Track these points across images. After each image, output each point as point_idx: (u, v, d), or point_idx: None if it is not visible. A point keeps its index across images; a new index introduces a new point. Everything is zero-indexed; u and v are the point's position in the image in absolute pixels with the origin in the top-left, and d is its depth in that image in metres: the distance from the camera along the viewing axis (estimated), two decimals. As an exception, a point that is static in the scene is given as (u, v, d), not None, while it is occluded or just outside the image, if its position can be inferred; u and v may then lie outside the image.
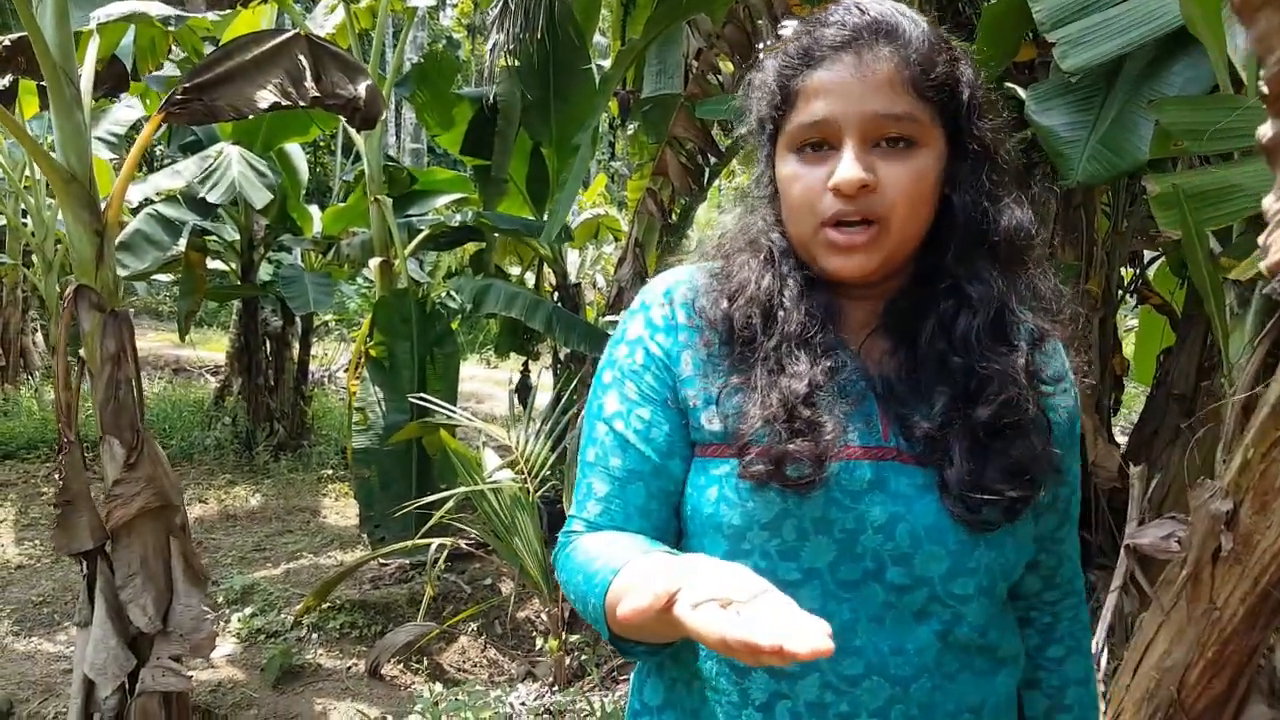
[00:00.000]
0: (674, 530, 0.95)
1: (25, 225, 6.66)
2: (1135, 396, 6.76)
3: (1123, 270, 4.13)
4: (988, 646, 0.91)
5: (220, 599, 4.10)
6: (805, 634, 0.57)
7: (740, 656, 0.59)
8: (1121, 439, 4.02)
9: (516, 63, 4.83)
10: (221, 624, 3.88)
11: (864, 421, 0.88)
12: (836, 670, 0.85)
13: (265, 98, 2.96)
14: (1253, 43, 0.38)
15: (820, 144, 0.86)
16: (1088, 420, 3.47)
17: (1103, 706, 1.65)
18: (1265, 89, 0.37)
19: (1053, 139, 1.99)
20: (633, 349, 0.95)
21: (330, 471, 6.38)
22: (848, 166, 0.83)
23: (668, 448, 0.92)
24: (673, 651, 0.91)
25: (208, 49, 4.41)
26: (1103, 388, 3.72)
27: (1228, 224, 1.58)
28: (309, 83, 3.13)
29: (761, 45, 0.96)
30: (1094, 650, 1.71)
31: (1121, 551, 1.68)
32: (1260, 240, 0.37)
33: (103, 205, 2.64)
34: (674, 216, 4.39)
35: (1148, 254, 4.25)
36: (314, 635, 3.81)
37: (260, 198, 5.31)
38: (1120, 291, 4.12)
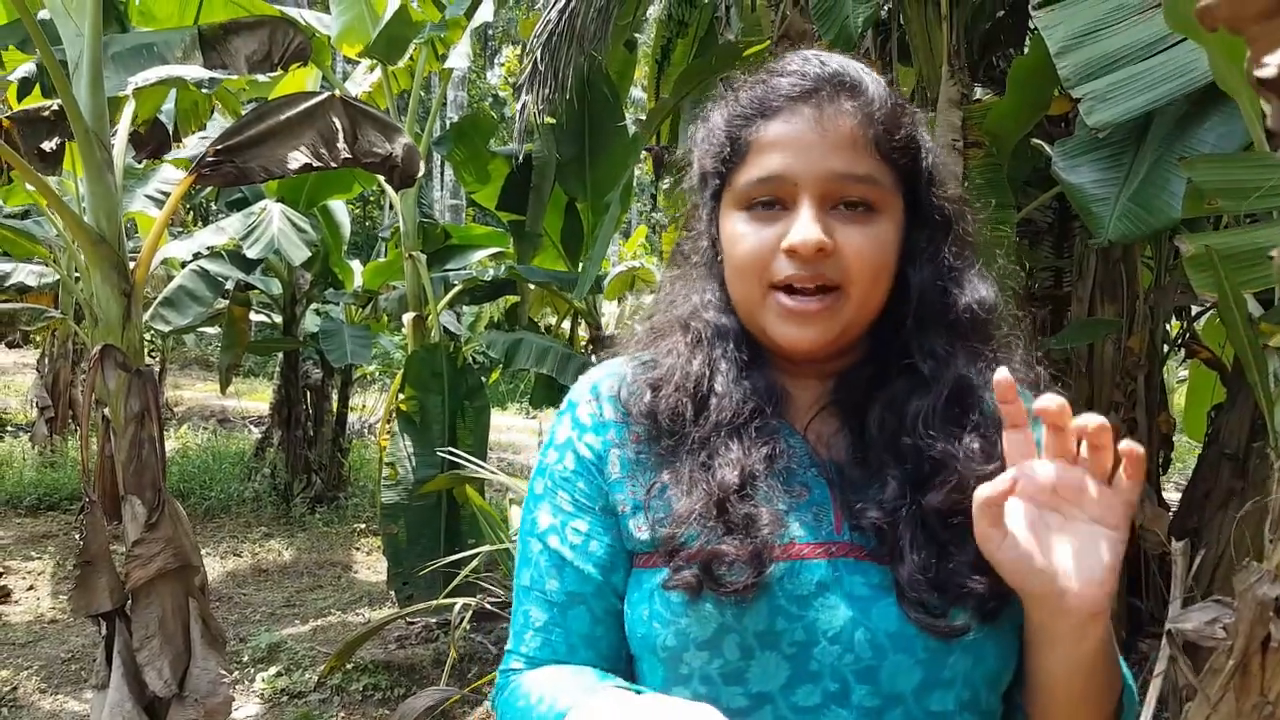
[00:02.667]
0: (624, 652, 0.84)
1: (76, 280, 6.85)
2: (1188, 450, 6.52)
3: (1172, 323, 4.00)
4: None
5: (246, 657, 4.07)
6: None
7: None
8: (1174, 494, 3.83)
9: (551, 120, 4.88)
10: (246, 683, 3.84)
11: (812, 514, 0.78)
12: (790, 703, 0.74)
13: (296, 159, 3.00)
14: (1250, 50, 0.34)
15: (772, 202, 0.79)
16: (1135, 482, 3.32)
17: (1146, 804, 1.53)
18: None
19: (1081, 196, 1.92)
20: (562, 453, 0.86)
21: (364, 525, 6.38)
22: (805, 227, 0.76)
23: (610, 561, 0.82)
24: None
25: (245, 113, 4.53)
26: (1150, 447, 3.57)
27: (1264, 287, 1.50)
28: (341, 144, 3.17)
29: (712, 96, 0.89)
30: (1137, 740, 1.59)
31: (1164, 636, 1.57)
32: None
33: (131, 266, 2.68)
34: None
35: (1195, 307, 4.11)
36: (337, 697, 3.76)
37: (298, 254, 5.40)
38: (1166, 346, 3.99)
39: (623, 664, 0.84)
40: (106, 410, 2.67)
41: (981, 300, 0.83)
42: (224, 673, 2.81)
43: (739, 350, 0.84)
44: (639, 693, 0.73)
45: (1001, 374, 0.68)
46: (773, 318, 0.79)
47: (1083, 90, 1.76)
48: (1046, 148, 2.09)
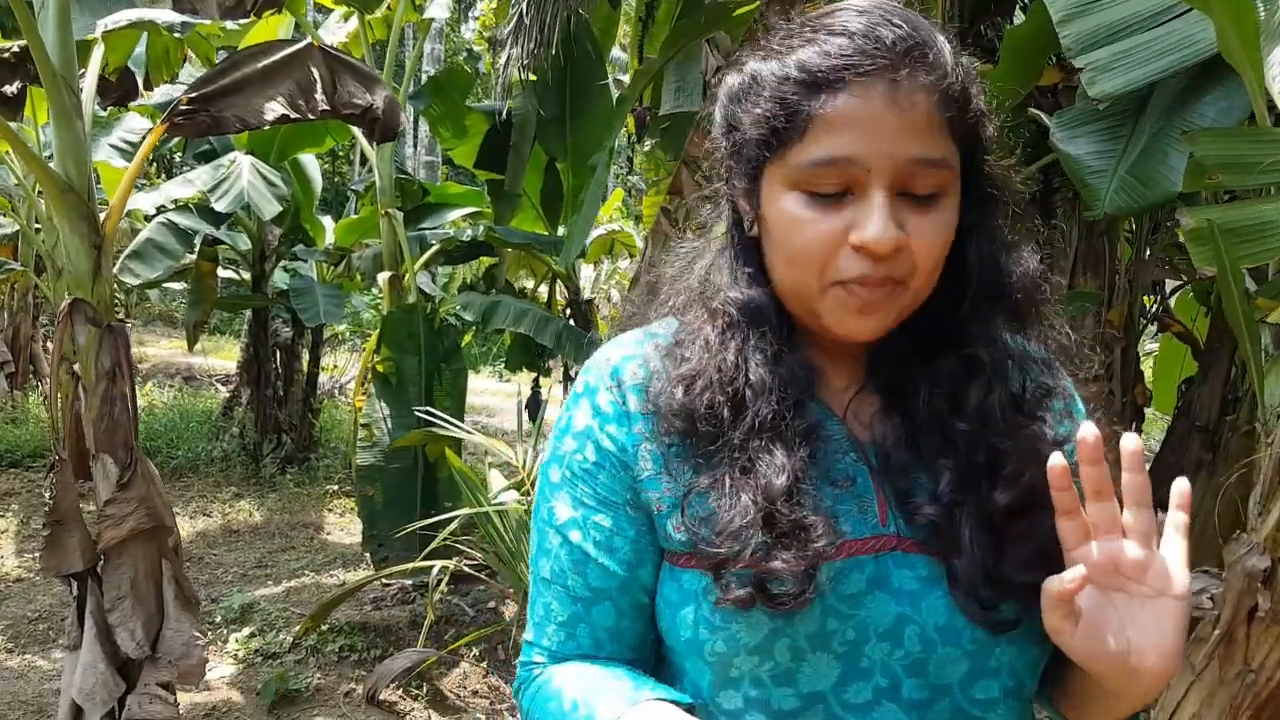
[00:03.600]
0: (650, 641, 0.83)
1: (37, 232, 6.67)
2: (1154, 423, 6.64)
3: (1144, 298, 4.04)
4: None
5: (219, 618, 4.04)
6: None
7: None
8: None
9: (532, 77, 4.79)
10: (219, 644, 3.81)
11: (857, 506, 0.75)
12: (842, 700, 0.74)
13: (273, 109, 2.92)
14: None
15: (837, 189, 0.71)
16: (1109, 453, 3.38)
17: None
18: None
19: (1078, 168, 1.91)
20: (581, 443, 0.81)
21: (336, 486, 6.33)
22: (879, 224, 0.69)
23: (635, 557, 0.79)
24: None
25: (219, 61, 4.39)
26: (1124, 419, 3.63)
27: (1264, 261, 1.50)
28: (320, 95, 3.08)
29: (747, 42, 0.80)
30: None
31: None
32: None
33: (102, 217, 2.59)
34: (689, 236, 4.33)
35: (1169, 282, 4.16)
36: (312, 658, 3.74)
37: (269, 208, 5.29)
38: (1142, 320, 4.03)
39: (648, 654, 0.83)
40: (76, 366, 2.59)
41: (1031, 275, 0.79)
42: (197, 634, 2.77)
43: (775, 335, 0.78)
44: (682, 705, 0.72)
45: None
46: (834, 308, 0.74)
47: (1085, 60, 1.74)
48: (1045, 118, 2.07)
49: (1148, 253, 3.41)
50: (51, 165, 2.50)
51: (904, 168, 0.70)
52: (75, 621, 2.65)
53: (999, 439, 0.74)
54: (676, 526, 0.75)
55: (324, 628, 3.85)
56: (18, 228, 6.67)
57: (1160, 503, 0.69)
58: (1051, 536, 0.70)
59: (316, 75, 3.03)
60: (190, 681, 2.78)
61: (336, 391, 8.93)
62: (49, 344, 8.29)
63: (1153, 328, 4.25)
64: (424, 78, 5.48)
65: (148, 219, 5.84)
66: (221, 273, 6.92)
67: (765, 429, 0.74)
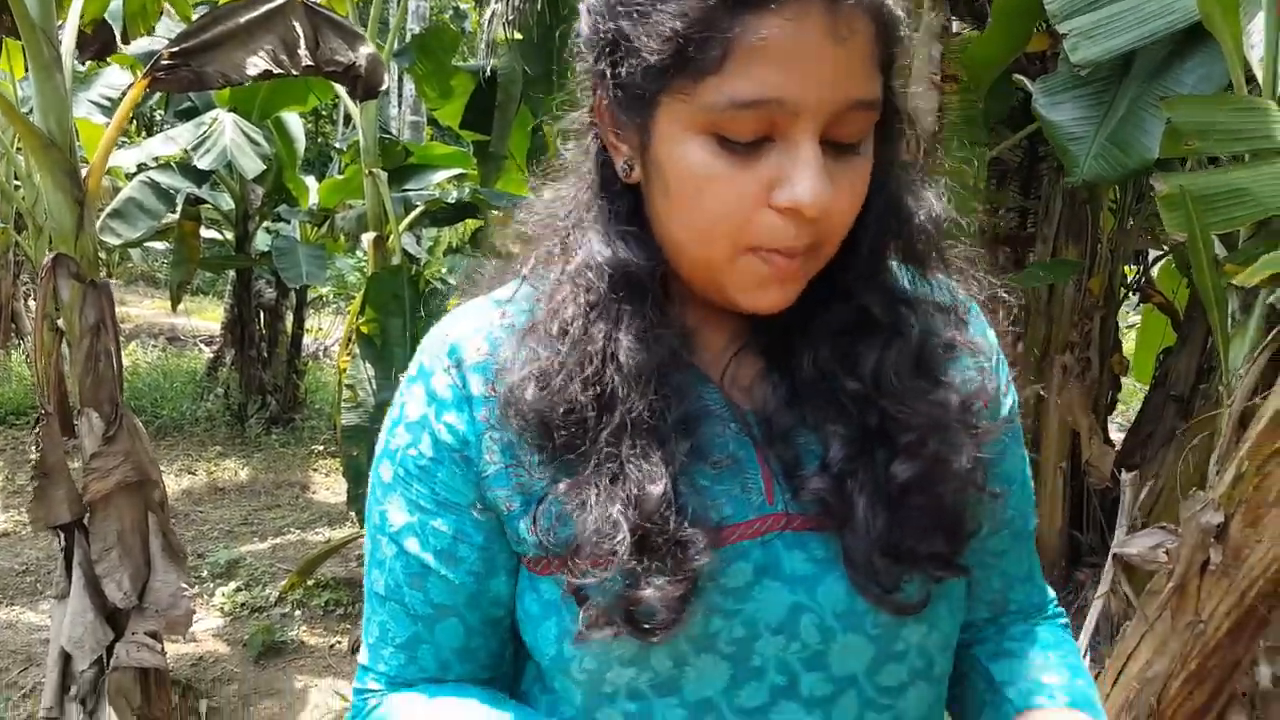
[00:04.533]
0: (509, 656, 0.73)
1: (16, 189, 6.59)
2: (1134, 393, 6.73)
3: (1126, 268, 4.09)
4: None
5: (205, 573, 4.08)
6: None
7: None
8: (1118, 436, 3.99)
9: (518, 36, 4.75)
10: (205, 598, 3.85)
11: (740, 485, 0.65)
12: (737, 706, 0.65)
13: (256, 65, 2.90)
14: None
15: (755, 136, 0.58)
16: (1083, 420, 3.44)
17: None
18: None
19: (1060, 134, 1.94)
20: (415, 435, 0.68)
21: (321, 447, 6.35)
22: (816, 182, 0.57)
23: (484, 567, 0.68)
24: None
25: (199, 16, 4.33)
26: (1101, 387, 3.69)
27: (1234, 229, 1.54)
28: (303, 50, 3.06)
29: None
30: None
31: (1109, 560, 1.65)
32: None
33: (84, 173, 2.58)
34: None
35: (1153, 252, 4.21)
36: (298, 612, 3.79)
37: (252, 166, 5.25)
38: (1123, 289, 4.08)
39: (506, 669, 0.74)
40: (60, 322, 2.60)
41: (936, 217, 0.69)
42: (184, 586, 2.81)
43: (652, 306, 0.65)
44: None
45: None
46: (744, 279, 0.62)
47: (1068, 26, 1.76)
48: (1029, 84, 2.09)
49: (1130, 222, 3.45)
50: (33, 120, 2.48)
51: (838, 112, 0.58)
52: (63, 572, 2.68)
53: (894, 404, 0.64)
54: (530, 529, 0.64)
55: (309, 583, 3.90)
56: (-4, 184, 6.59)
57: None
58: (953, 504, 0.65)
59: (299, 31, 3.01)
60: (178, 631, 2.82)
61: (321, 354, 8.92)
62: (30, 302, 8.24)
63: (1136, 301, 4.31)
64: (409, 35, 5.41)
65: (129, 177, 5.79)
66: (204, 233, 6.88)
67: (640, 426, 0.62)
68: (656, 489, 0.60)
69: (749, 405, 0.68)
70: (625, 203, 0.67)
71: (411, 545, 0.68)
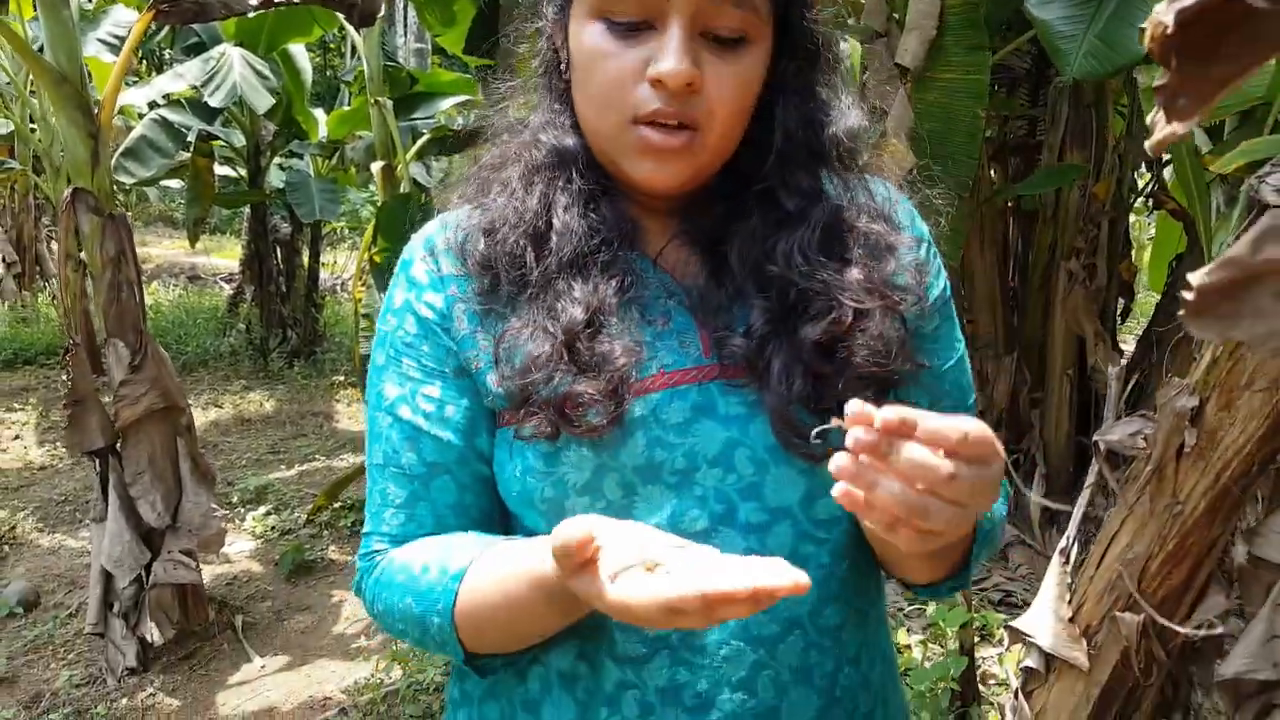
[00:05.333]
0: (496, 518, 0.80)
1: (33, 131, 6.64)
2: (1146, 302, 6.70)
3: (1138, 175, 4.05)
4: (864, 578, 0.78)
5: (235, 499, 4.24)
6: (773, 569, 0.52)
7: (684, 621, 0.53)
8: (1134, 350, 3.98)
9: (519, -43, 4.68)
10: (237, 522, 4.01)
11: (678, 341, 0.75)
12: (688, 642, 0.72)
13: (256, -5, 2.91)
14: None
15: (637, 22, 0.70)
16: (1089, 325, 3.46)
17: (1067, 597, 1.70)
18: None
19: (1050, 34, 1.94)
20: (401, 317, 0.79)
21: (342, 378, 6.48)
22: (675, 57, 0.68)
23: (469, 425, 0.76)
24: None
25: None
26: (1109, 294, 3.70)
27: (1217, 120, 1.55)
28: (302, -21, 3.07)
29: None
30: (1064, 545, 1.75)
31: (1091, 449, 1.71)
32: (1148, 120, 0.38)
33: (96, 108, 2.63)
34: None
35: (1166, 156, 4.15)
36: (326, 532, 3.95)
37: (262, 101, 5.26)
38: (1134, 196, 4.05)
39: (496, 529, 0.80)
40: (82, 255, 2.68)
41: (850, 130, 0.79)
42: (215, 507, 2.95)
43: (582, 178, 0.76)
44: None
45: (852, 407, 0.56)
46: (631, 153, 0.72)
47: (1056, -80, 1.75)
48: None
49: (1138, 126, 3.41)
50: (46, 57, 2.53)
51: (707, 7, 0.68)
52: (100, 496, 2.82)
53: (806, 281, 0.73)
54: (495, 382, 0.74)
55: (336, 505, 4.05)
56: (13, 127, 6.64)
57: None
58: (869, 359, 0.72)
59: (298, -42, 3.01)
60: (211, 550, 2.96)
61: (338, 288, 9.02)
62: (53, 244, 8.36)
63: (1151, 208, 4.27)
64: (411, -39, 5.35)
65: (140, 117, 5.82)
66: (218, 170, 6.92)
67: (566, 266, 0.74)
68: (579, 312, 0.72)
69: (685, 281, 0.78)
70: (564, 96, 0.78)
71: (404, 412, 0.77)
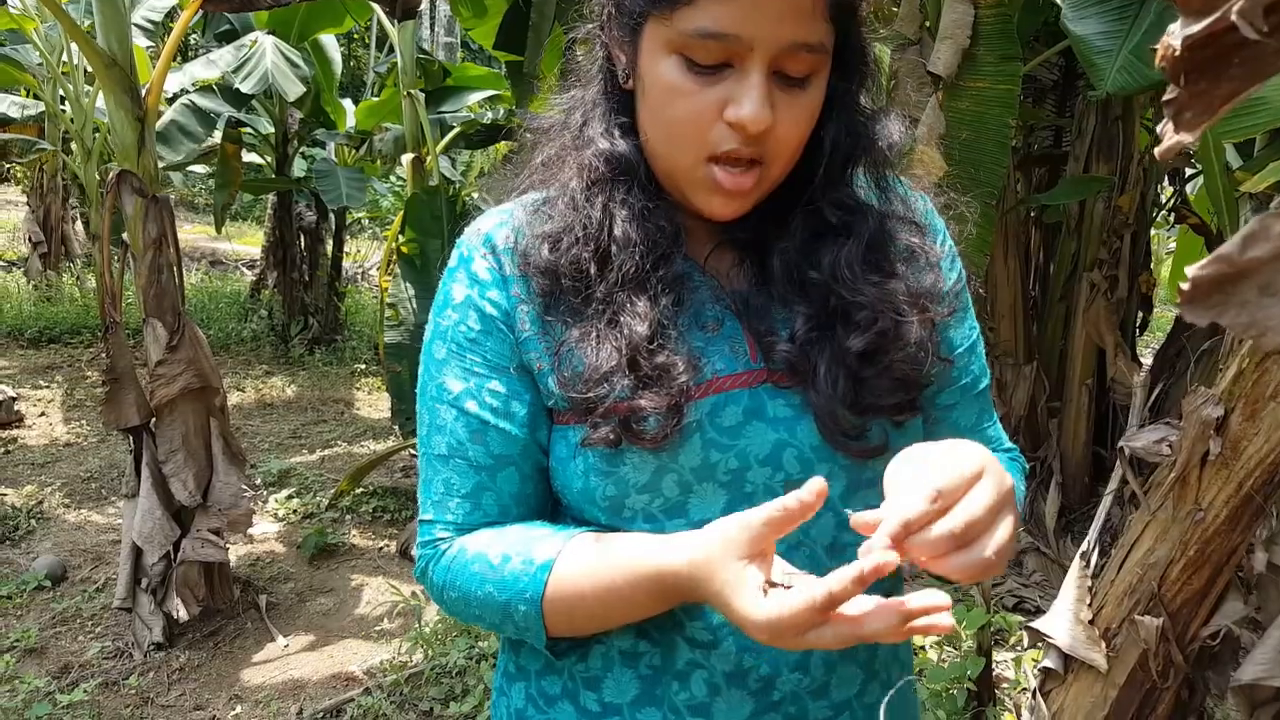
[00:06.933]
0: (549, 507, 0.85)
1: (64, 112, 6.72)
2: (1167, 318, 6.69)
3: (1161, 189, 4.06)
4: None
5: (259, 481, 4.30)
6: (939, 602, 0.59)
7: (820, 640, 0.61)
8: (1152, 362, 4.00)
9: (552, -46, 4.72)
10: (260, 504, 4.07)
11: (729, 346, 0.79)
12: None
13: (299, -14, 2.97)
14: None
15: (717, 62, 0.71)
16: (1109, 336, 3.49)
17: (1088, 600, 1.74)
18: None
19: (1086, 48, 1.97)
20: (463, 313, 0.81)
21: (363, 366, 6.55)
22: (756, 104, 0.70)
23: (531, 420, 0.80)
24: None
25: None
26: (1130, 306, 3.72)
27: (1248, 137, 1.58)
28: (344, -29, 3.12)
29: None
30: (1085, 549, 1.79)
31: (1117, 456, 1.75)
32: (1158, 130, 0.42)
33: (143, 92, 2.69)
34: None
35: (1189, 170, 4.17)
36: (348, 517, 4.01)
37: (293, 89, 5.32)
38: (1156, 210, 4.07)
39: (549, 518, 0.84)
40: (124, 235, 2.74)
41: (893, 145, 0.83)
42: (245, 487, 3.01)
43: (642, 190, 0.79)
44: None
45: (857, 520, 0.63)
46: (701, 189, 0.76)
47: (1096, -63, 1.78)
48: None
49: (1164, 140, 3.43)
50: (97, 40, 2.58)
51: (785, 49, 0.70)
52: (133, 472, 2.88)
53: (849, 291, 0.78)
54: (557, 384, 0.78)
55: (358, 491, 4.11)
56: (42, 108, 6.73)
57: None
58: (905, 363, 0.77)
59: (341, -50, 3.06)
60: (239, 529, 3.02)
61: (360, 277, 9.09)
62: (79, 225, 8.46)
63: (1173, 223, 4.29)
64: (443, -44, 5.42)
65: (169, 101, 5.89)
66: (244, 156, 7.00)
67: (628, 282, 0.77)
68: (641, 328, 0.75)
69: (730, 286, 0.82)
70: (623, 104, 0.81)
71: (471, 406, 0.80)
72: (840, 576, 0.59)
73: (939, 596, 0.60)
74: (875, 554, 0.59)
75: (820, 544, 0.78)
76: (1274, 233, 0.35)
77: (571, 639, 0.79)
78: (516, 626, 0.77)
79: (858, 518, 0.63)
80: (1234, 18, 0.35)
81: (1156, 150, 0.41)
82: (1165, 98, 0.39)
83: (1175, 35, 0.39)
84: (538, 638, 0.77)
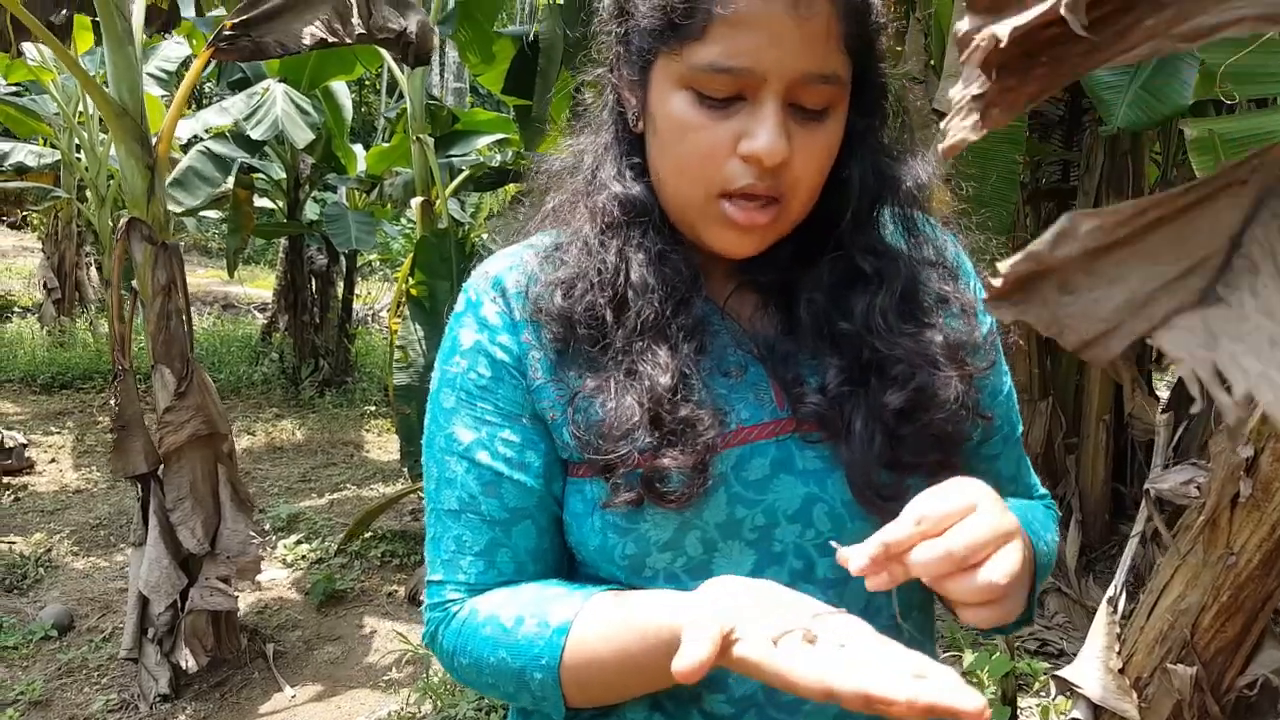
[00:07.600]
0: (566, 563, 0.79)
1: (79, 160, 6.81)
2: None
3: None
4: (927, 623, 0.81)
5: (267, 526, 4.27)
6: (946, 685, 0.51)
7: (839, 703, 0.53)
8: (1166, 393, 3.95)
9: (559, 0, 4.79)
10: (268, 550, 4.04)
11: (753, 394, 0.75)
12: (775, 700, 0.71)
13: (311, 34, 2.99)
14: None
15: (729, 95, 0.69)
16: (1126, 373, 3.44)
17: (1116, 647, 1.68)
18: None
19: (1095, 84, 1.96)
20: (473, 360, 0.77)
21: (373, 408, 6.53)
22: (771, 136, 0.67)
23: (547, 471, 0.75)
24: None
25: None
26: (1145, 341, 3.68)
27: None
28: (356, 19, 3.15)
29: None
30: (1113, 593, 1.74)
31: (1143, 497, 1.70)
32: (942, 125, 0.40)
33: (154, 140, 2.71)
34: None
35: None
36: (356, 562, 3.96)
37: (303, 136, 5.38)
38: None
39: (565, 575, 0.79)
40: (134, 283, 2.74)
41: (921, 184, 0.79)
42: (253, 534, 2.97)
43: (657, 233, 0.76)
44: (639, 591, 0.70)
45: (841, 555, 0.61)
46: (715, 225, 0.72)
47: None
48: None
49: (1174, 174, 3.42)
50: (108, 90, 2.61)
51: (798, 81, 0.68)
52: (140, 521, 2.85)
53: (883, 343, 0.74)
54: (571, 433, 0.73)
55: (366, 535, 4.06)
56: (58, 156, 6.82)
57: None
58: (945, 422, 0.73)
59: (352, 0, 3.10)
60: (247, 577, 2.98)
61: (370, 319, 9.12)
62: (93, 271, 8.52)
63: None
64: (452, 2, 5.49)
65: (183, 148, 5.97)
66: (256, 201, 7.07)
67: (648, 329, 0.72)
68: (664, 379, 0.71)
69: (753, 330, 0.78)
70: (634, 147, 0.78)
71: (483, 457, 0.75)
72: (863, 684, 0.53)
73: (975, 699, 0.51)
74: (851, 565, 0.58)
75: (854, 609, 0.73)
76: (1081, 232, 0.34)
77: (594, 709, 0.74)
78: (533, 696, 0.72)
79: (843, 552, 0.61)
80: (1063, 11, 0.33)
81: (940, 147, 0.39)
82: (967, 91, 0.37)
83: (1001, 26, 0.36)
84: (556, 708, 0.71)
